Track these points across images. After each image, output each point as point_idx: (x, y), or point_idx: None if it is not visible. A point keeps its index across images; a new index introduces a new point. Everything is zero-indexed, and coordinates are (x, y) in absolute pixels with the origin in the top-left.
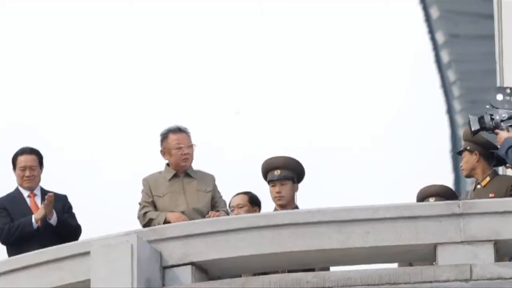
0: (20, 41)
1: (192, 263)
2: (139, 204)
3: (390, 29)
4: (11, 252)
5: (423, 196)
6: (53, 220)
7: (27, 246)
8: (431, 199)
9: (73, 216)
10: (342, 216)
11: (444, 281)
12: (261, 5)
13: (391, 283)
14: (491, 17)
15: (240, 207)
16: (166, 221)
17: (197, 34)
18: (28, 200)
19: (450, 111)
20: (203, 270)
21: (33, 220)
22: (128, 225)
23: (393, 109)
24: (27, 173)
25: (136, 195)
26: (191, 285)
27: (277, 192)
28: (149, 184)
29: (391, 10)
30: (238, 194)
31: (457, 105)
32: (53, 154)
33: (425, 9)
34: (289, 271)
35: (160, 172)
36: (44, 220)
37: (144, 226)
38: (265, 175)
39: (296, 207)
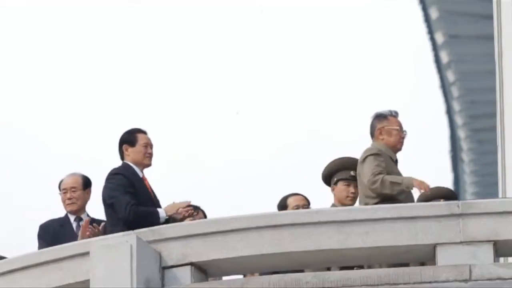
0: (18, 41)
1: (191, 264)
2: (373, 173)
3: (389, 29)
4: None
5: (429, 199)
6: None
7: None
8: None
9: None
10: (342, 216)
11: (443, 282)
12: (261, 4)
13: (390, 284)
14: (490, 17)
15: (305, 208)
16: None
17: (196, 34)
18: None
19: (449, 112)
20: (203, 271)
21: (163, 214)
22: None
23: (392, 109)
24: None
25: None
26: (190, 286)
27: (352, 193)
28: (384, 157)
29: (390, 10)
30: (295, 194)
31: (456, 106)
32: (51, 157)
33: (424, 9)
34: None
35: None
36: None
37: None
38: (331, 175)
39: None
